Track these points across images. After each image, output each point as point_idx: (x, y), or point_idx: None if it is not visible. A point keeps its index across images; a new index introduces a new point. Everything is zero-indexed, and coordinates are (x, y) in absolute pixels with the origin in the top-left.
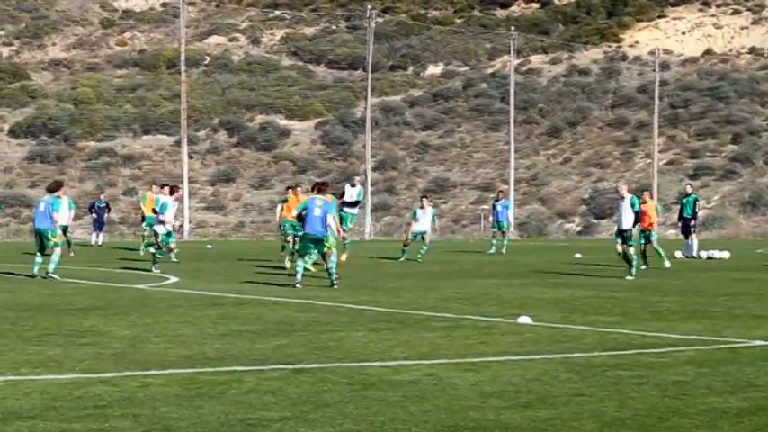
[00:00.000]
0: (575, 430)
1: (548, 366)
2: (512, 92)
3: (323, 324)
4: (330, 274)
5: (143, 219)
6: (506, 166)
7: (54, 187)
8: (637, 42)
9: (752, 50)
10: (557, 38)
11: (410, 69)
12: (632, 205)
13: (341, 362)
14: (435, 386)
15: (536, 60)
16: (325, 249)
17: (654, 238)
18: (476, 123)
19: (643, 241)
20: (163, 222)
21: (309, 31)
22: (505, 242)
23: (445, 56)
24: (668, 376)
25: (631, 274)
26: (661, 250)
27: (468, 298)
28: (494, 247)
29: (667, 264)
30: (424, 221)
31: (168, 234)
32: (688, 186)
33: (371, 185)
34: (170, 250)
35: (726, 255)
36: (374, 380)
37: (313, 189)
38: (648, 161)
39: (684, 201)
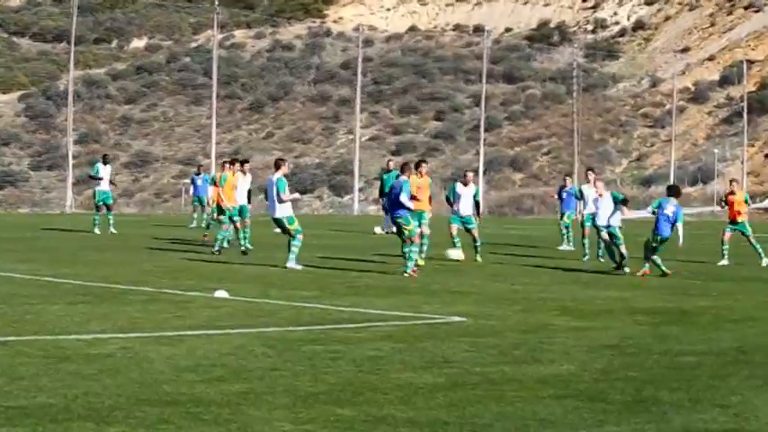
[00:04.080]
0: (268, 404)
1: (243, 341)
2: (215, 66)
3: (21, 297)
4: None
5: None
6: (208, 140)
7: None
8: (341, 18)
9: (456, 27)
10: (261, 12)
11: (114, 42)
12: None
13: (37, 335)
14: (130, 360)
15: (240, 35)
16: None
17: (750, 231)
18: (178, 97)
19: (729, 230)
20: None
21: (14, 2)
22: (205, 216)
23: (149, 29)
24: (364, 351)
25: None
26: (759, 247)
27: (167, 272)
28: (194, 222)
29: (764, 262)
30: (466, 202)
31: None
32: (390, 162)
33: (73, 159)
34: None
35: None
36: (70, 353)
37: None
38: (351, 137)
39: (386, 177)
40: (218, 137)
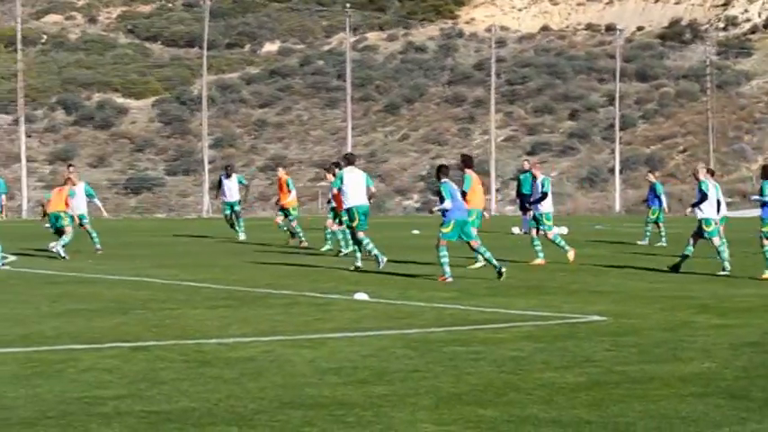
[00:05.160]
0: (411, 406)
1: (384, 342)
2: (348, 69)
3: (160, 302)
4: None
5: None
6: (344, 143)
7: None
8: (473, 19)
9: (588, 27)
10: (393, 15)
11: (247, 47)
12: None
13: (177, 339)
14: (272, 363)
15: (372, 37)
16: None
17: None
18: (313, 101)
19: None
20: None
21: (146, 8)
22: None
23: (282, 33)
24: (505, 352)
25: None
26: None
27: (305, 275)
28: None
29: None
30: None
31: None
32: (525, 162)
33: (209, 163)
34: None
35: (564, 230)
36: (210, 357)
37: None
38: (486, 137)
39: (522, 177)
40: (354, 139)
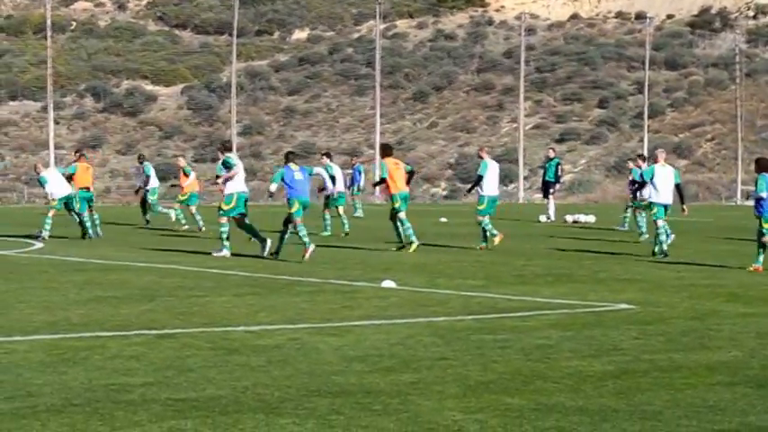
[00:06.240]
0: (438, 394)
1: (412, 330)
2: (378, 56)
3: (187, 289)
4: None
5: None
6: (372, 131)
7: None
8: (503, 7)
9: (618, 15)
10: (423, 2)
11: (276, 34)
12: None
13: (205, 327)
14: (298, 351)
15: (402, 25)
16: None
17: None
18: (342, 88)
19: None
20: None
21: None
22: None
23: (311, 20)
24: (532, 340)
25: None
26: None
27: (332, 262)
28: (359, 211)
29: None
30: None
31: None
32: (550, 150)
33: (237, 150)
34: None
35: (591, 219)
36: (237, 345)
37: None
38: (515, 125)
39: (547, 165)
40: (382, 127)
